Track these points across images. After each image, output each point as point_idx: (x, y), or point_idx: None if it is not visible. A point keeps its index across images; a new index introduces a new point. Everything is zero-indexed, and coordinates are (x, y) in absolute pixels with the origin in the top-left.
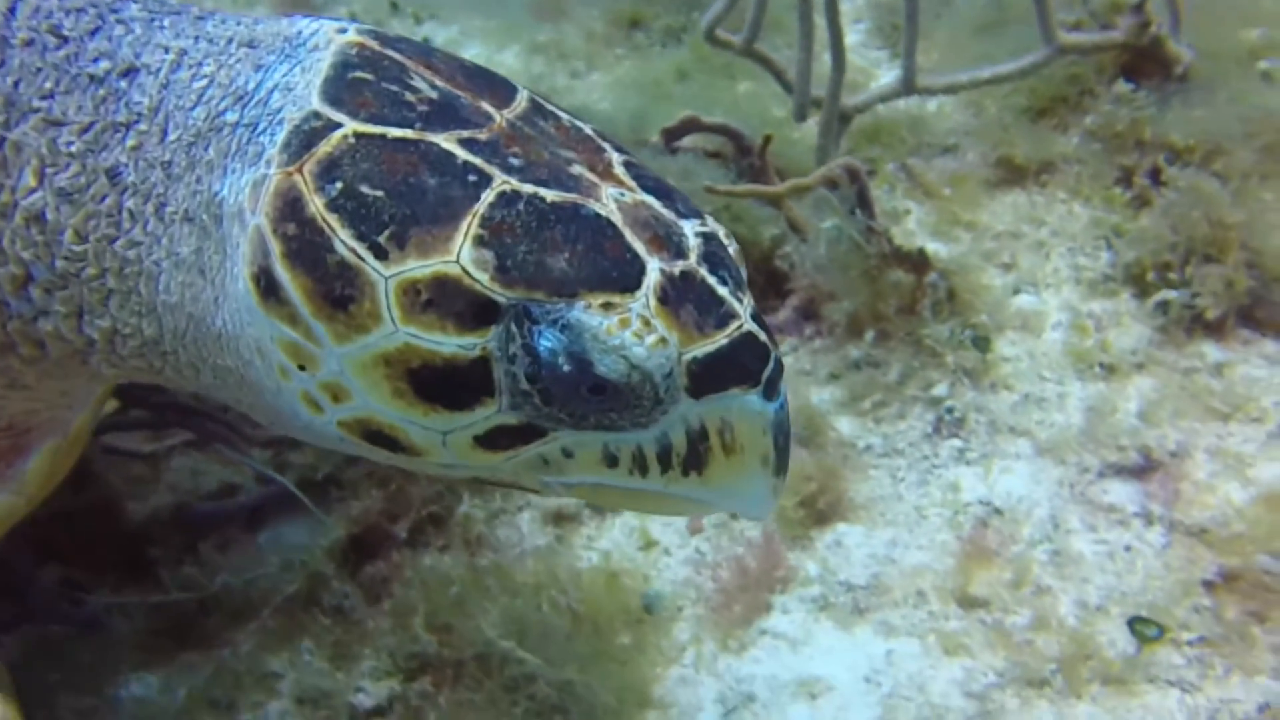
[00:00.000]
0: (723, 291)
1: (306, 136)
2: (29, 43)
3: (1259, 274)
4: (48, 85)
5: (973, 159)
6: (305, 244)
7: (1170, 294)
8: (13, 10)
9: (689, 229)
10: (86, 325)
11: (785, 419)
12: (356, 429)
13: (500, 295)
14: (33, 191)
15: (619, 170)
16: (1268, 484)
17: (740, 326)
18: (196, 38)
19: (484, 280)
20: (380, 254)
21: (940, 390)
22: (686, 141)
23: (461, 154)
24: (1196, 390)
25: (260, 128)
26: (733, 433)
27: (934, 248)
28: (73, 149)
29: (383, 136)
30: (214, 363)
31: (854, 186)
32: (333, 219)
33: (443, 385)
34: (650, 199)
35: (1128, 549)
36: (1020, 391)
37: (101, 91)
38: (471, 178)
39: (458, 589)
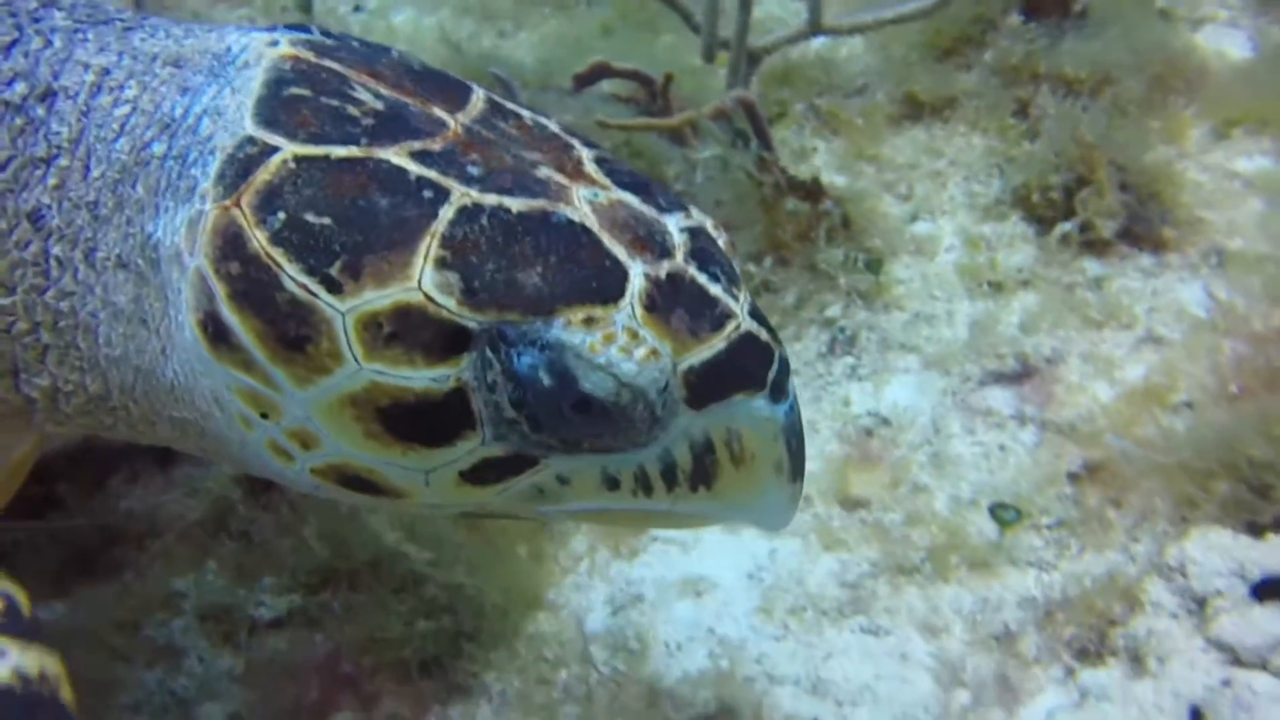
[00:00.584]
0: (715, 290)
1: (242, 165)
2: None
3: (1135, 194)
4: None
5: (880, 98)
6: (252, 283)
7: (1066, 226)
8: None
9: (673, 225)
10: (24, 384)
11: (797, 420)
12: (331, 475)
13: (470, 320)
14: None
15: (590, 168)
16: (1131, 383)
17: (738, 327)
18: (120, 54)
19: (451, 306)
20: (334, 287)
21: (834, 312)
22: (605, 87)
23: (414, 169)
24: (1075, 303)
25: (191, 159)
26: (740, 442)
27: (839, 180)
28: None
29: (325, 158)
30: (170, 415)
31: (749, 120)
32: (278, 253)
33: (418, 422)
34: (627, 196)
35: (1001, 448)
36: (911, 310)
37: (19, 121)
38: (427, 194)
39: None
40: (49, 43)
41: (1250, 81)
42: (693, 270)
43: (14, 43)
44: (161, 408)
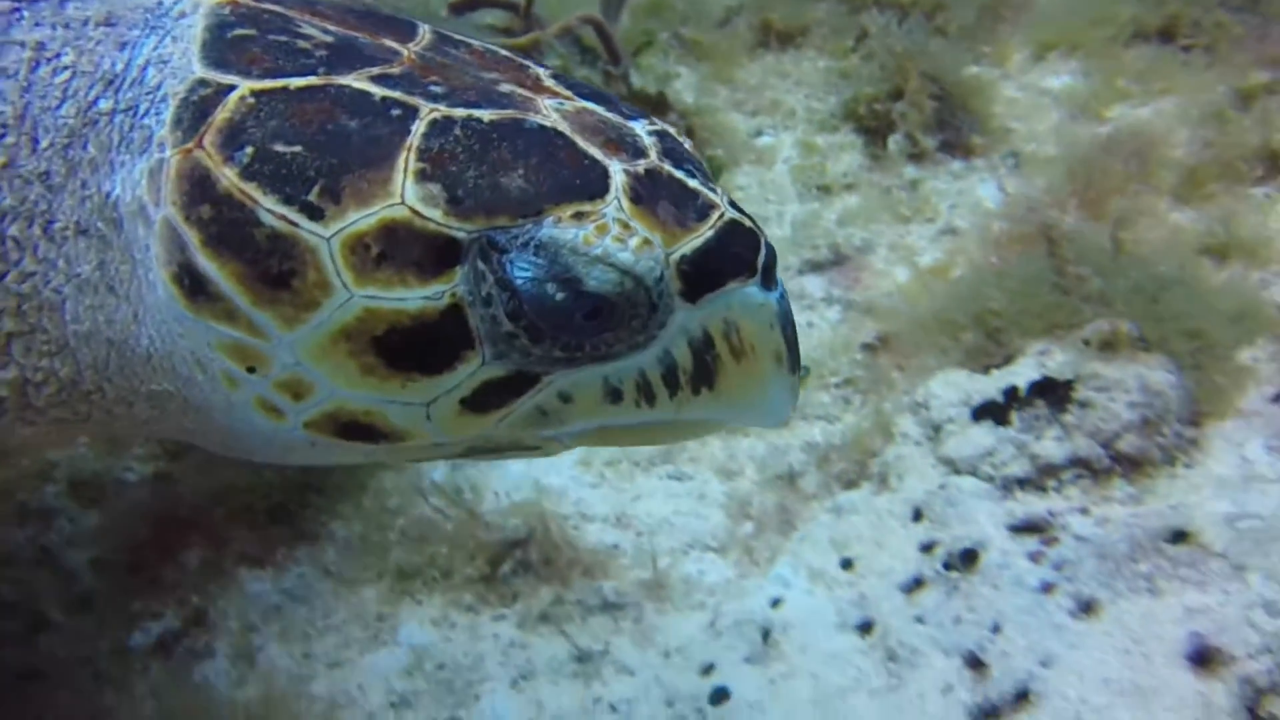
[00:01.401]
0: (694, 184)
1: (198, 107)
2: None
3: (948, 106)
4: None
5: (740, 27)
6: (226, 224)
7: (896, 137)
8: None
9: (640, 129)
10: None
11: (789, 309)
12: (327, 426)
13: (459, 230)
14: None
15: (550, 82)
16: (926, 266)
17: (723, 215)
18: (54, 25)
19: (437, 217)
20: (314, 214)
21: None
22: (488, 19)
23: (377, 90)
24: (890, 202)
25: (141, 110)
26: (739, 333)
27: (690, 99)
28: None
29: (285, 89)
30: (147, 390)
31: (599, 39)
32: (251, 188)
33: (415, 348)
34: (591, 104)
35: (810, 325)
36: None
37: None
38: (395, 112)
39: None
40: None
41: (1065, 9)
42: (668, 167)
43: None
44: (138, 383)
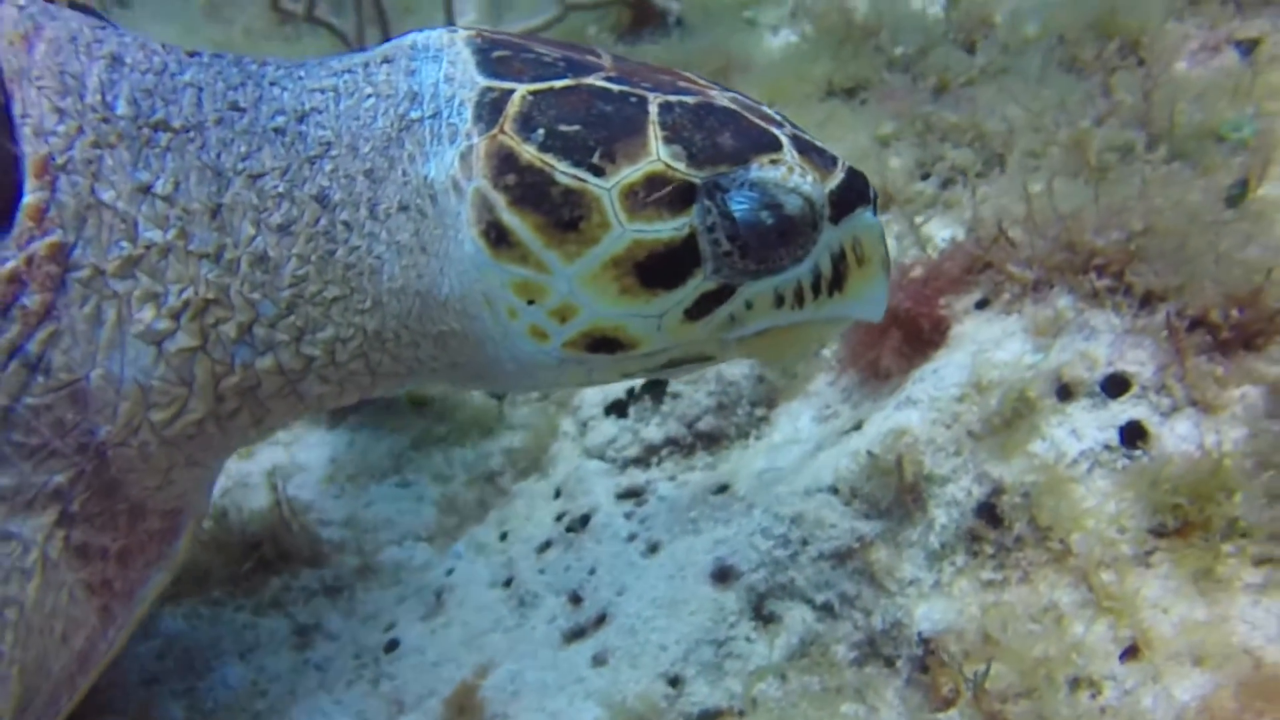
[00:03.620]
0: (819, 144)
1: (491, 106)
2: (219, 121)
3: None
4: (242, 149)
5: None
6: (528, 187)
7: None
8: (199, 100)
9: (766, 109)
10: (306, 345)
11: (882, 229)
12: (581, 343)
13: (696, 176)
14: (254, 239)
15: (703, 82)
16: None
17: (844, 164)
18: (334, 73)
19: (682, 168)
20: (598, 172)
21: None
22: None
23: (614, 86)
24: None
25: (444, 114)
26: (860, 246)
27: None
28: (279, 190)
29: (551, 89)
30: (437, 331)
31: None
32: (549, 158)
33: (663, 268)
34: (733, 93)
35: None
36: None
37: (288, 138)
38: (633, 99)
39: None
40: (284, 88)
41: (777, 69)
42: (799, 132)
43: (260, 97)
44: (431, 325)
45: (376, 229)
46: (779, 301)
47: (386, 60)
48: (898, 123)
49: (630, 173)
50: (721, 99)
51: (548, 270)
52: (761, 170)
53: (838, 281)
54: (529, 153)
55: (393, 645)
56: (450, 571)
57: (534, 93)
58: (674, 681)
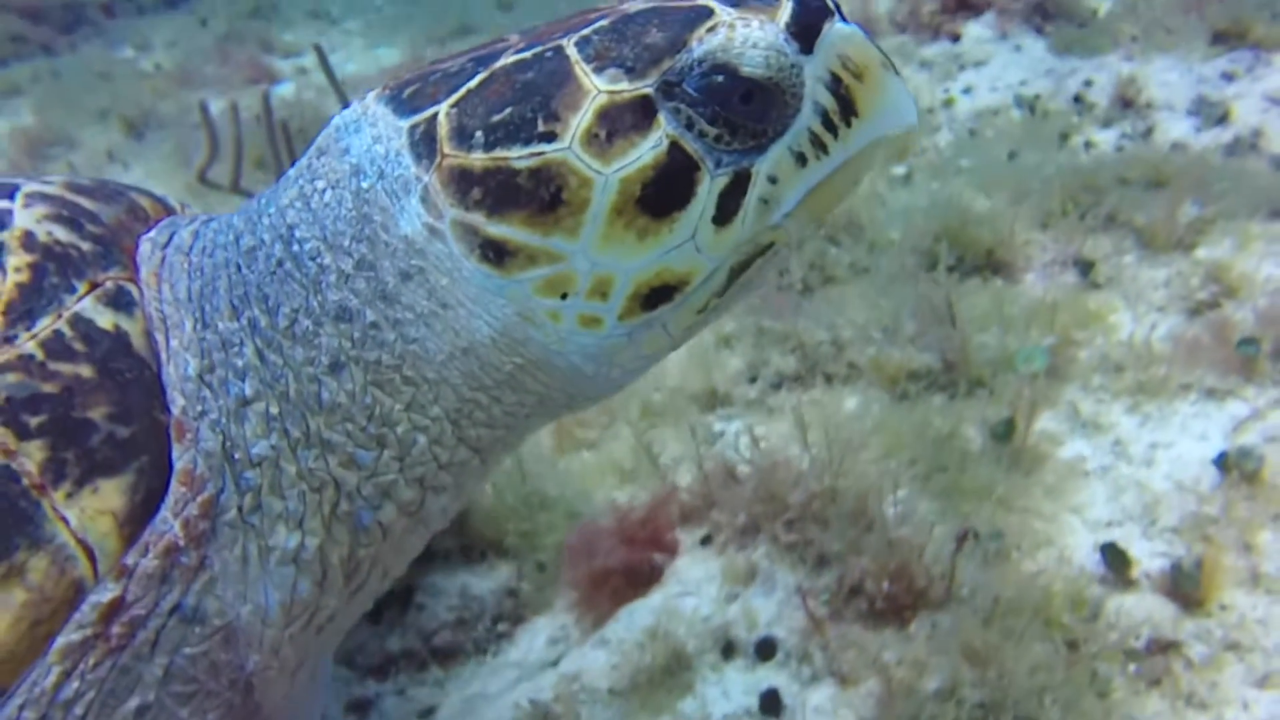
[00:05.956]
0: None
1: (424, 139)
2: (254, 261)
3: None
4: (270, 302)
5: None
6: (492, 190)
7: None
8: (251, 260)
9: None
10: (409, 467)
11: (862, 33)
12: (636, 309)
13: (645, 86)
14: (319, 394)
15: (617, 4)
16: None
17: None
18: (286, 189)
19: (626, 86)
20: (550, 137)
21: None
22: None
23: (527, 55)
24: None
25: (389, 172)
26: (849, 60)
27: None
28: (308, 327)
29: (469, 91)
30: (505, 376)
31: None
32: (498, 152)
33: (665, 191)
34: None
35: None
36: None
37: (288, 267)
38: (549, 54)
39: None
40: (270, 218)
41: None
42: None
43: (254, 249)
44: (495, 372)
45: (398, 312)
46: (801, 160)
47: (322, 153)
48: (738, 323)
49: (580, 120)
50: (637, 4)
51: (560, 257)
52: (703, 44)
53: (848, 107)
54: (478, 159)
55: None
56: None
57: (455, 104)
58: None
